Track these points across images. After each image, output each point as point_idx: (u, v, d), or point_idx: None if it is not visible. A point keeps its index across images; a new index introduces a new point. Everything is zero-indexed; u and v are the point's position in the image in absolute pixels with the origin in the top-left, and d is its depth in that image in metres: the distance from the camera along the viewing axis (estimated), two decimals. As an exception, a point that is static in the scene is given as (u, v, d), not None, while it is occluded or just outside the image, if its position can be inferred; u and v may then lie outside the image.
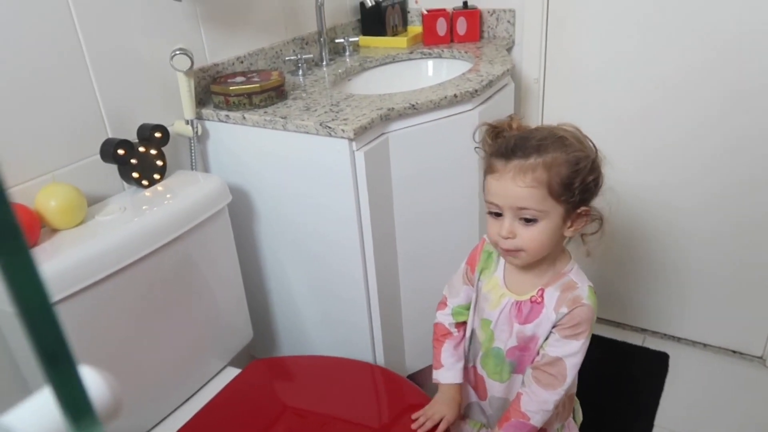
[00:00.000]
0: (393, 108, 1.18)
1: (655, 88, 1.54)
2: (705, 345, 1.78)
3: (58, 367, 0.21)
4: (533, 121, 1.72)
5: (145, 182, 1.16)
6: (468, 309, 1.05)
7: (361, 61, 1.60)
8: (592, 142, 0.90)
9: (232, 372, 1.25)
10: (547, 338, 0.92)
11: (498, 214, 0.88)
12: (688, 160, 1.57)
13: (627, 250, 1.75)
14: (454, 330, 1.06)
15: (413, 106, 1.20)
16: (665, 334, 1.83)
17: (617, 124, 1.62)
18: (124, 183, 1.17)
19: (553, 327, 0.91)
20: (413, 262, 1.33)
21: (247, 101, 1.23)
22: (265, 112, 1.21)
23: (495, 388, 1.01)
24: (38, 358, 0.21)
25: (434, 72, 1.66)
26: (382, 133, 1.19)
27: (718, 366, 1.72)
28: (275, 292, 1.43)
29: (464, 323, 1.05)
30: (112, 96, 1.13)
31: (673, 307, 1.77)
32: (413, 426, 1.01)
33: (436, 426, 1.00)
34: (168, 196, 1.13)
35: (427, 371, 1.37)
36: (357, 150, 1.13)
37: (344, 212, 1.19)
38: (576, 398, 1.09)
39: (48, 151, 1.04)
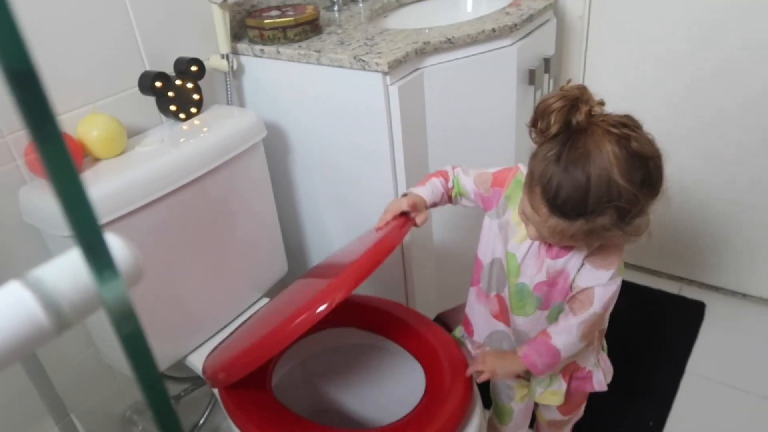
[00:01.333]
0: (428, 42, 1.16)
1: (700, 34, 1.46)
2: (744, 295, 1.74)
3: (85, 223, 0.22)
4: (575, 61, 1.66)
5: (182, 115, 1.18)
6: (459, 193, 1.02)
7: (395, -3, 1.56)
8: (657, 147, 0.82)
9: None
10: (579, 272, 0.91)
11: None
12: (726, 104, 1.50)
13: (669, 200, 1.71)
14: (448, 183, 1.02)
15: (449, 40, 1.17)
16: (703, 284, 1.79)
17: (658, 66, 1.55)
18: (162, 116, 1.19)
19: (585, 258, 0.89)
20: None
21: (281, 35, 1.22)
22: (300, 46, 1.20)
23: (518, 321, 1.01)
24: (64, 212, 0.22)
25: (473, 8, 1.61)
26: (417, 68, 1.17)
27: (756, 317, 1.69)
28: (309, 228, 1.45)
29: (450, 193, 1.03)
30: (149, 28, 1.13)
31: (711, 256, 1.73)
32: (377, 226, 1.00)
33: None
34: (204, 129, 1.15)
35: (457, 310, 1.38)
36: (391, 84, 1.12)
37: (377, 148, 1.19)
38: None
39: (89, 83, 1.07)
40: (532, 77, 1.34)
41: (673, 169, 1.65)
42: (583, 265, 0.90)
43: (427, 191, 1.00)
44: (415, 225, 0.98)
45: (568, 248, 0.90)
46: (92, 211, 0.23)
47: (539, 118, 0.80)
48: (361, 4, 1.51)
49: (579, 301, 0.90)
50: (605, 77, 1.65)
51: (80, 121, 1.03)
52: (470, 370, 0.99)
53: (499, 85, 1.29)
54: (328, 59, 1.15)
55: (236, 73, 1.30)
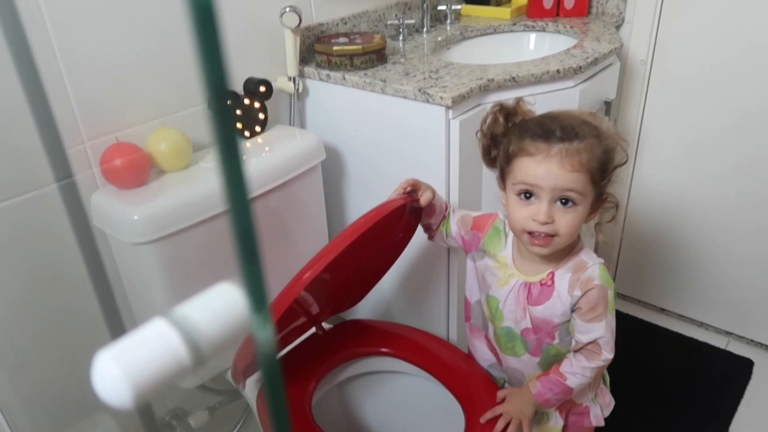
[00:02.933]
0: (492, 79, 1.17)
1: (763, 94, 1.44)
2: (796, 357, 1.68)
3: (252, 263, 0.24)
4: (635, 104, 1.65)
5: (246, 133, 1.21)
6: (445, 233, 1.06)
7: (462, 29, 1.58)
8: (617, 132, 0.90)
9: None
10: (567, 321, 0.92)
11: (528, 197, 0.86)
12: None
13: (718, 249, 1.67)
14: (445, 212, 1.07)
15: (513, 78, 1.18)
16: (751, 340, 1.74)
17: (716, 123, 1.53)
18: (228, 132, 1.23)
19: (573, 312, 0.91)
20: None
21: (348, 62, 1.25)
22: (365, 74, 1.23)
23: (510, 361, 1.02)
24: (238, 253, 0.24)
25: (536, 46, 1.62)
26: (479, 104, 1.19)
27: (808, 380, 1.62)
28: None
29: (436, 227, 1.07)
30: (225, 48, 1.18)
31: (761, 311, 1.68)
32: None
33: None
34: (267, 148, 1.18)
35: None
36: (453, 118, 1.13)
37: (434, 180, 1.20)
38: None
39: (161, 97, 1.11)
40: (592, 119, 1.34)
41: (723, 221, 1.63)
42: (575, 319, 0.91)
43: (440, 199, 1.05)
44: (418, 202, 1.01)
45: (548, 292, 0.91)
46: (257, 243, 0.25)
47: (490, 133, 0.91)
48: (425, 35, 1.54)
49: (588, 351, 0.92)
50: (663, 123, 1.63)
51: (151, 134, 1.07)
52: (498, 427, 0.96)
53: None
54: (393, 89, 1.17)
55: (301, 95, 1.34)
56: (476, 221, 1.03)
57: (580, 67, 1.24)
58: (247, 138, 1.22)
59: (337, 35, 1.33)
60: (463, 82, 1.15)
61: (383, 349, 1.18)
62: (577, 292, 0.89)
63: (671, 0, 1.52)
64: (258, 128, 1.23)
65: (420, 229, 1.11)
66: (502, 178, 0.92)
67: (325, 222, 1.31)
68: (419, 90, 1.13)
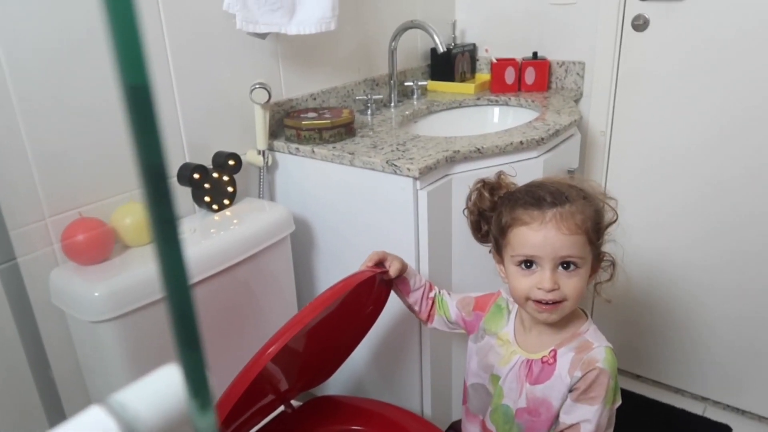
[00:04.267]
0: (458, 150, 1.20)
1: (719, 153, 1.50)
2: (772, 421, 1.67)
3: (192, 349, 0.23)
4: (598, 172, 1.71)
5: (215, 206, 1.21)
6: (446, 318, 1.05)
7: (428, 104, 1.64)
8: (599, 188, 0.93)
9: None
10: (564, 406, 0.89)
11: (528, 266, 0.86)
12: (744, 210, 1.51)
13: (689, 315, 1.68)
14: (428, 291, 1.07)
15: (478, 150, 1.22)
16: (728, 405, 1.72)
17: (681, 185, 1.58)
18: (196, 206, 1.22)
19: (569, 391, 0.88)
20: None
21: (317, 136, 1.28)
22: (334, 147, 1.25)
23: None
24: (176, 339, 0.23)
25: (500, 119, 1.68)
26: (446, 175, 1.21)
27: (787, 446, 1.61)
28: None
29: (432, 305, 1.07)
30: (193, 123, 1.19)
31: (736, 378, 1.68)
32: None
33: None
34: (235, 221, 1.17)
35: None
36: (420, 189, 1.15)
37: (404, 251, 1.20)
38: None
39: (129, 171, 1.11)
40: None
41: (694, 286, 1.65)
42: (568, 399, 0.88)
43: (413, 271, 1.05)
44: (387, 274, 1.01)
45: (549, 371, 0.88)
46: (198, 330, 0.24)
47: (477, 209, 0.94)
48: (393, 110, 1.58)
49: None
50: (626, 187, 1.67)
51: (117, 208, 1.06)
52: None
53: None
54: (361, 161, 1.19)
55: (270, 168, 1.35)
56: (478, 301, 1.02)
57: (543, 139, 1.28)
58: (216, 211, 1.21)
59: (307, 110, 1.36)
60: (430, 154, 1.18)
61: (355, 427, 1.13)
62: (578, 373, 0.86)
63: (626, 75, 1.60)
64: (226, 201, 1.23)
65: (392, 301, 1.09)
66: (498, 251, 0.91)
67: (294, 294, 1.29)
68: (387, 162, 1.15)
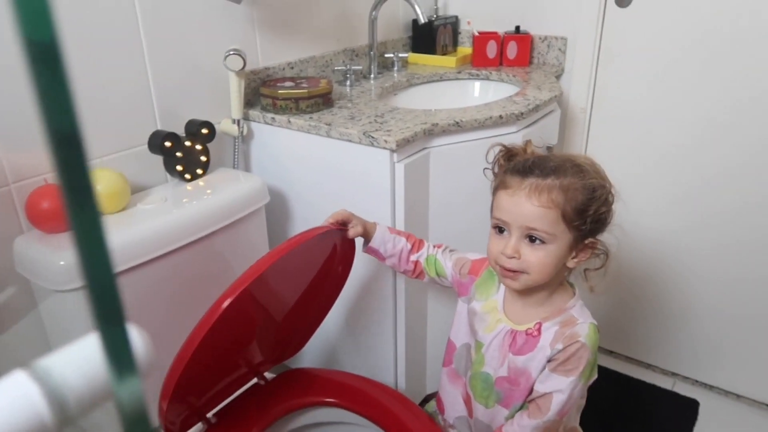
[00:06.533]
0: (437, 124, 1.18)
1: (699, 134, 1.51)
2: (738, 396, 1.71)
3: (115, 323, 0.21)
4: (577, 149, 1.70)
5: (187, 176, 1.18)
6: (435, 270, 1.04)
7: (408, 77, 1.61)
8: (607, 178, 0.90)
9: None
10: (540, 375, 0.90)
11: (502, 230, 0.87)
12: (726, 200, 1.52)
13: (660, 292, 1.71)
14: (414, 252, 1.05)
15: (457, 123, 1.20)
16: (696, 381, 1.76)
17: (657, 161, 1.59)
18: (168, 175, 1.19)
19: (548, 362, 0.89)
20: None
21: (294, 105, 1.25)
22: (311, 118, 1.23)
23: (479, 410, 0.99)
24: (95, 314, 0.21)
25: (480, 93, 1.66)
26: (424, 148, 1.19)
27: (751, 419, 1.65)
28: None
29: (415, 267, 1.06)
30: (165, 90, 1.16)
31: (705, 354, 1.71)
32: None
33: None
34: (208, 191, 1.15)
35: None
36: (398, 162, 1.13)
37: (379, 222, 1.19)
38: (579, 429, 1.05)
39: (99, 137, 1.07)
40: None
41: (669, 262, 1.66)
42: (545, 370, 0.89)
43: (384, 233, 1.04)
44: (347, 234, 1.00)
45: (533, 343, 0.89)
46: (119, 302, 0.22)
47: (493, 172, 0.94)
48: (372, 81, 1.55)
49: (536, 405, 0.89)
50: (604, 165, 1.67)
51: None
52: None
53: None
54: (338, 133, 1.16)
55: (245, 138, 1.32)
56: (474, 265, 1.02)
57: (522, 113, 1.27)
58: (188, 180, 1.18)
59: (284, 79, 1.33)
60: (408, 126, 1.16)
61: (329, 399, 1.13)
62: (559, 345, 0.87)
63: (606, 50, 1.59)
64: (199, 171, 1.20)
65: (364, 268, 1.08)
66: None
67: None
68: (364, 133, 1.13)
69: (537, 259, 0.84)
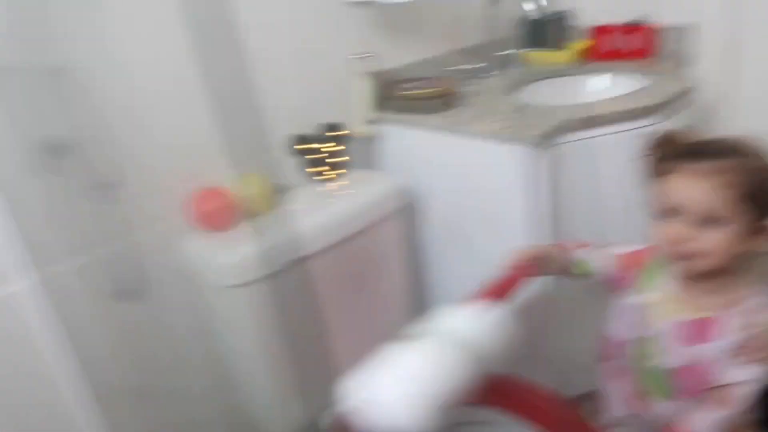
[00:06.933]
0: (571, 118, 1.16)
1: None
2: None
3: None
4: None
5: (325, 178, 1.22)
6: (582, 270, 1.00)
7: (526, 73, 1.59)
8: None
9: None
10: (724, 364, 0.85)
11: (670, 215, 0.83)
12: None
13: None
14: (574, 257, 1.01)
15: (591, 117, 1.18)
16: None
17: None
18: (305, 177, 1.24)
19: (730, 351, 0.84)
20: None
21: (424, 105, 1.26)
22: (443, 117, 1.24)
23: (658, 405, 0.94)
24: None
25: (604, 86, 1.61)
26: (561, 142, 1.17)
27: None
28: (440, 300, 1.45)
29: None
30: (303, 93, 1.20)
31: None
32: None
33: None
34: (349, 192, 1.18)
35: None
36: (539, 157, 1.12)
37: (518, 220, 1.18)
38: None
39: (247, 145, 1.13)
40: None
41: None
42: (728, 357, 0.84)
43: (556, 252, 1.00)
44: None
45: (712, 330, 0.85)
46: None
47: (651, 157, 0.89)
48: (491, 80, 1.55)
49: (722, 397, 0.84)
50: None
51: (240, 179, 1.09)
52: None
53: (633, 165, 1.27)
54: (473, 131, 1.17)
55: (375, 140, 1.35)
56: (631, 257, 0.98)
57: (656, 106, 1.23)
58: (326, 182, 1.22)
59: (407, 80, 1.35)
60: (545, 121, 1.15)
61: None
62: (743, 334, 0.83)
63: (736, 39, 1.51)
64: (335, 173, 1.24)
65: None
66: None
67: (404, 268, 1.30)
68: (502, 129, 1.13)
69: (714, 242, 0.80)
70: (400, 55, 1.41)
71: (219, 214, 1.02)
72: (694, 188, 0.80)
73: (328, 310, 1.11)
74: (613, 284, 1.00)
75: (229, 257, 0.97)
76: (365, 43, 1.32)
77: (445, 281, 1.40)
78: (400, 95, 1.28)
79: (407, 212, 1.34)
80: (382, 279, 1.24)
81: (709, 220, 0.80)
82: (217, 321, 1.07)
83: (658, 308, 0.92)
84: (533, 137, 1.09)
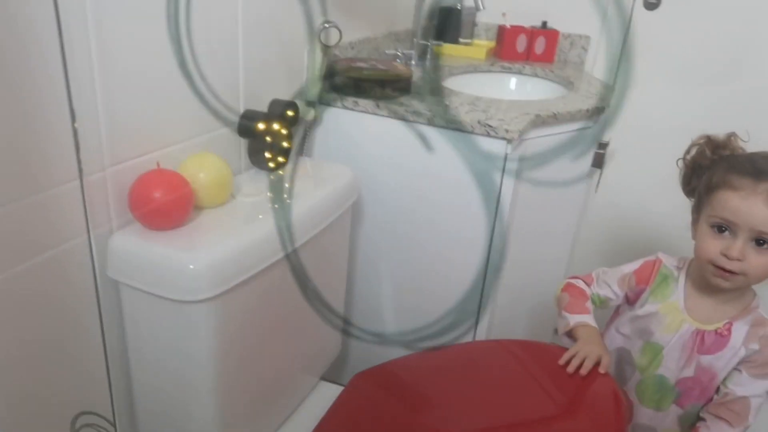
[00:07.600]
0: (539, 114, 1.13)
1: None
2: None
3: None
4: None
5: (272, 164, 1.01)
6: (600, 304, 0.99)
7: (445, 65, 1.53)
8: None
9: (329, 388, 1.12)
10: (728, 375, 0.89)
11: (722, 230, 0.84)
12: None
13: None
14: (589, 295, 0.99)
15: (554, 115, 1.15)
16: None
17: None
18: (246, 161, 1.02)
19: (740, 363, 0.88)
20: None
21: (379, 89, 1.12)
22: (401, 103, 1.11)
23: (646, 414, 0.97)
24: None
25: (517, 88, 1.62)
26: (524, 139, 1.13)
27: None
28: (359, 302, 1.31)
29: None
30: (252, 67, 0.98)
31: None
32: (568, 369, 0.87)
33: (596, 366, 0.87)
34: (305, 185, 0.99)
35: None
36: (511, 153, 1.06)
37: (477, 222, 1.11)
38: None
39: (186, 118, 0.88)
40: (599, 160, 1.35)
41: None
42: (739, 371, 0.89)
43: (594, 321, 0.95)
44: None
45: (723, 342, 0.88)
46: None
47: (693, 163, 0.89)
48: (418, 68, 1.46)
49: (735, 413, 0.88)
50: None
51: (186, 158, 0.84)
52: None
53: (584, 163, 1.29)
54: (447, 120, 1.06)
55: (317, 123, 1.17)
56: (639, 275, 0.97)
57: (599, 108, 1.25)
58: (271, 169, 1.02)
59: (355, 59, 1.20)
60: (515, 116, 1.09)
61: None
62: (754, 346, 0.86)
63: (630, 54, 1.62)
64: (281, 159, 1.04)
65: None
66: (697, 209, 0.88)
67: (345, 269, 1.14)
68: (479, 122, 1.04)
69: (760, 262, 0.81)
70: (345, 32, 1.25)
71: (174, 205, 0.77)
72: (754, 209, 0.79)
73: (267, 329, 0.91)
74: (628, 301, 0.99)
75: (192, 263, 0.73)
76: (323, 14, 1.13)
77: (374, 287, 1.28)
78: (356, 75, 1.11)
79: (355, 209, 1.19)
80: (324, 284, 1.06)
81: (761, 243, 0.81)
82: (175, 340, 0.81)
83: (663, 319, 0.92)
84: (512, 131, 1.02)
